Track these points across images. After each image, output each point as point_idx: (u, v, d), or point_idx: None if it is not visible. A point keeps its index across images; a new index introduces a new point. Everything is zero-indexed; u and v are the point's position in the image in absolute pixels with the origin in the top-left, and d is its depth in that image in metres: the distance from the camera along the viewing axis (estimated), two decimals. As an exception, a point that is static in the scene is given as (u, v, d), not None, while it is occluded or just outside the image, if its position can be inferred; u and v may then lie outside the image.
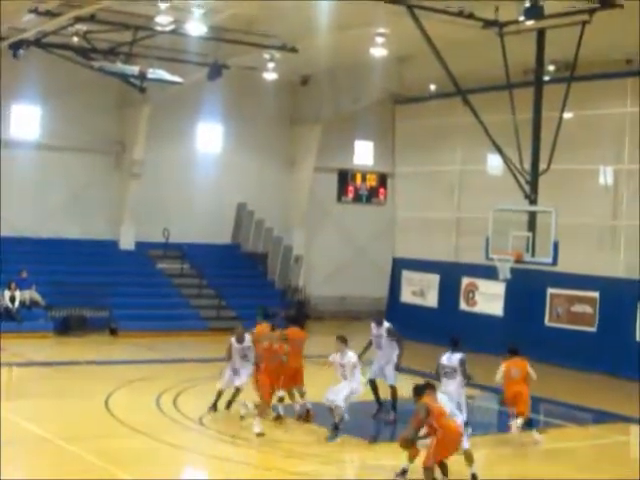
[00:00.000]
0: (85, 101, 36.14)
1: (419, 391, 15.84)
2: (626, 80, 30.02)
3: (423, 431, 15.52)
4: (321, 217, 41.44)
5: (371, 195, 42.95)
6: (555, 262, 27.03)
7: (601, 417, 23.33)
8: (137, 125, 36.76)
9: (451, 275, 35.90)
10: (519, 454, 19.22)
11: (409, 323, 34.32)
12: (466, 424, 17.98)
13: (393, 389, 21.37)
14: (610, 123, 30.93)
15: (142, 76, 31.23)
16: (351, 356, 19.52)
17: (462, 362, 19.03)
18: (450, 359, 19.15)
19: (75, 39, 30.78)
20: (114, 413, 19.83)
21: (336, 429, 19.02)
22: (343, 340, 19.66)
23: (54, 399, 22.18)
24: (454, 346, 19.34)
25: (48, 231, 35.68)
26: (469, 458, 16.27)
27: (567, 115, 29.05)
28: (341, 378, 19.38)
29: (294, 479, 16.44)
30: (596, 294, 30.76)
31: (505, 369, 20.15)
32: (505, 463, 18.45)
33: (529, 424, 19.98)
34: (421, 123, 37.26)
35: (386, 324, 21.78)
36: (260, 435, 18.83)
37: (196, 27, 27.77)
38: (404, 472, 16.18)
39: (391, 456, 16.98)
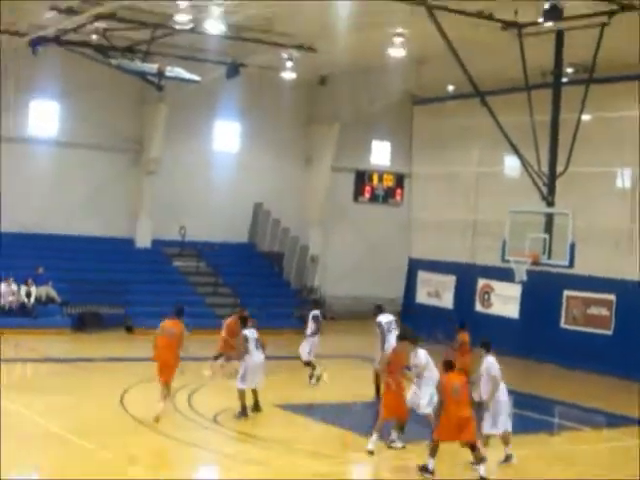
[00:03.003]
0: (103, 99, 36.21)
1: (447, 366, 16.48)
2: (645, 83, 29.89)
3: None
4: (338, 217, 41.43)
5: (388, 195, 42.93)
6: (572, 264, 26.98)
7: (616, 420, 23.23)
8: (155, 123, 36.82)
9: (467, 276, 35.85)
10: (532, 455, 19.12)
11: (424, 324, 34.33)
12: None
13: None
14: (628, 125, 30.78)
15: (160, 74, 31.32)
16: (422, 356, 18.86)
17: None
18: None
19: (94, 37, 30.98)
20: (129, 410, 19.86)
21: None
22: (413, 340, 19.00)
23: (69, 395, 22.21)
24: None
25: (65, 228, 35.75)
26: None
27: (585, 117, 28.99)
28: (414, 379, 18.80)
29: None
30: (612, 297, 30.67)
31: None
32: (518, 464, 18.36)
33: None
34: (439, 124, 37.19)
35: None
36: (370, 453, 17.78)
37: (215, 26, 27.82)
38: (425, 469, 16.12)
39: (405, 457, 16.91)
